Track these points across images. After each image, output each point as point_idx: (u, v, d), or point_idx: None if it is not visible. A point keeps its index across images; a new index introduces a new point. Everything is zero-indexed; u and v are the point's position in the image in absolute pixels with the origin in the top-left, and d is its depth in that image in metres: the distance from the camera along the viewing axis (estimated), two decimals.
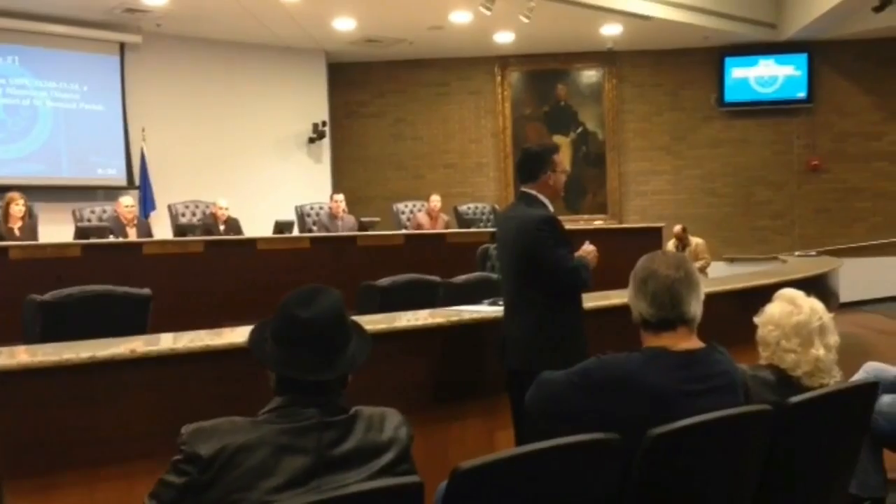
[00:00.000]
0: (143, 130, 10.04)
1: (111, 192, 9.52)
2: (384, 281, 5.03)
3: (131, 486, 2.54)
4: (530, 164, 3.51)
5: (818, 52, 11.80)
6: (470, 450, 3.30)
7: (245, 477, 1.53)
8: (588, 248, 3.55)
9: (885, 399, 3.74)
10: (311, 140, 11.43)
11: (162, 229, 9.08)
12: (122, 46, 9.98)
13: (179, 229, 7.91)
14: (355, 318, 3.70)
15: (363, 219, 9.08)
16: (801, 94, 11.95)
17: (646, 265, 2.21)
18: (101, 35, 9.74)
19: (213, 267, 6.95)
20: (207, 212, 8.79)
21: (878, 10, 9.42)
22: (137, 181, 10.03)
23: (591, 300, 4.27)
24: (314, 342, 1.67)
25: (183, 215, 8.80)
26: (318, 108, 11.51)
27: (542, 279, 3.36)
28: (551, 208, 3.50)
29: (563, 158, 3.62)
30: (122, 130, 10.01)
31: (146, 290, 4.17)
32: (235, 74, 10.82)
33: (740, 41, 11.59)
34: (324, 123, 11.43)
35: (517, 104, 12.27)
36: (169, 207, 8.95)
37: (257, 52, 10.93)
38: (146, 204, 9.87)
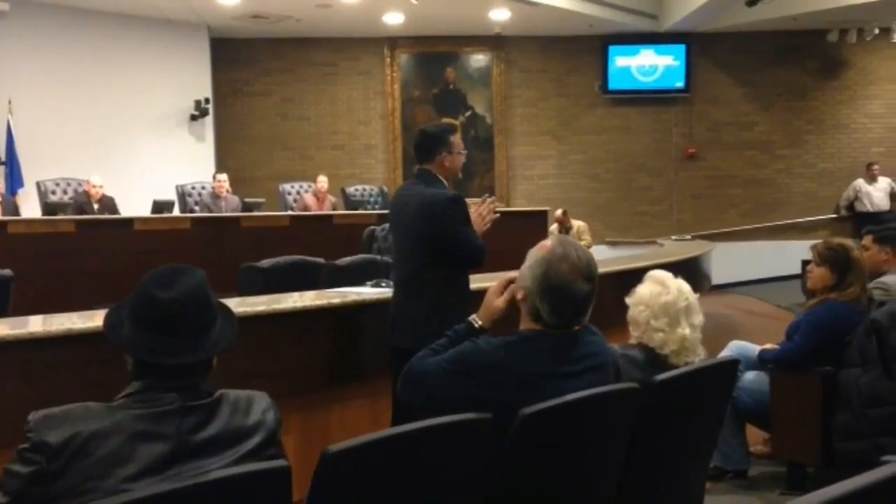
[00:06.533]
0: (10, 103, 9.42)
1: None
2: (266, 262, 4.98)
3: None
4: (427, 145, 3.51)
5: (695, 43, 12.25)
6: (352, 433, 3.28)
7: (98, 465, 1.46)
8: (482, 211, 3.49)
9: (748, 375, 3.95)
10: (194, 117, 11.04)
11: (30, 208, 8.64)
12: None
13: (49, 207, 7.53)
14: (236, 299, 3.61)
15: (248, 199, 8.89)
16: (679, 84, 12.39)
17: (560, 272, 2.07)
18: None
19: (86, 248, 6.71)
20: (80, 189, 8.41)
21: (750, 4, 9.88)
22: (3, 156, 9.44)
23: (476, 281, 4.32)
24: (174, 324, 1.60)
25: (53, 193, 8.39)
26: (200, 85, 11.11)
27: (446, 258, 3.34)
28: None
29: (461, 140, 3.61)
30: None
31: (7, 271, 3.96)
32: (112, 46, 10.30)
33: (623, 31, 11.92)
34: (207, 101, 11.06)
35: (406, 86, 12.23)
36: (38, 185, 8.51)
37: (135, 23, 10.44)
38: (13, 181, 9.31)
